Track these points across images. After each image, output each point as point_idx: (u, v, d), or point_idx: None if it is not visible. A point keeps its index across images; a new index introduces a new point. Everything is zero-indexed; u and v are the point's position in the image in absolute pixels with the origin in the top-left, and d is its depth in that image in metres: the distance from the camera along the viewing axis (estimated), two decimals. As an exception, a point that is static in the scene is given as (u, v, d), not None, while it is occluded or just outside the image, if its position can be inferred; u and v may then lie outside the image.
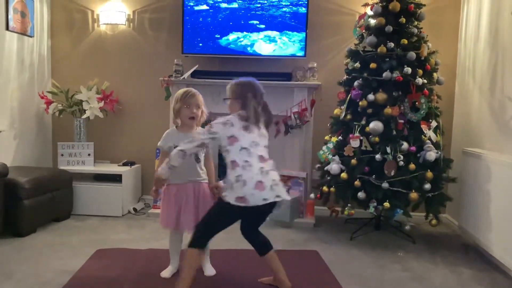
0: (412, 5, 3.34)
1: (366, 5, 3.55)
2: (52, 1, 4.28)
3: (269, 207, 2.28)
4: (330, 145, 3.45)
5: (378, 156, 3.19)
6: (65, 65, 4.33)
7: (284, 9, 3.93)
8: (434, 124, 3.33)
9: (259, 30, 3.97)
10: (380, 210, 3.28)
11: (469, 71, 3.74)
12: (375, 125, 3.22)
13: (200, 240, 2.31)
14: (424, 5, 3.43)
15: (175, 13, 4.11)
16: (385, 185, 3.15)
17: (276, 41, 3.97)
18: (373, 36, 3.35)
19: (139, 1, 4.23)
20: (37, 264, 2.76)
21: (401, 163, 3.16)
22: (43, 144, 4.30)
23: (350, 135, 3.32)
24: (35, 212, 3.36)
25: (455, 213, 3.68)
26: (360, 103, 3.33)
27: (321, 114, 3.91)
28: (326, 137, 3.59)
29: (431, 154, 3.20)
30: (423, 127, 3.27)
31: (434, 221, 3.35)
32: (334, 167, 3.31)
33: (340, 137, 3.45)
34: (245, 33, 3.99)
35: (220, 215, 2.31)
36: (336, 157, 3.35)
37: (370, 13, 3.45)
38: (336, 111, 3.53)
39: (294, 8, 3.92)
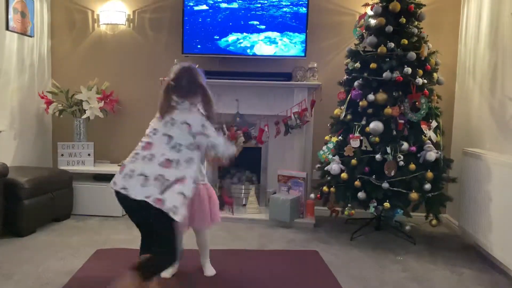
0: (413, 5, 3.33)
1: (366, 5, 3.55)
2: (52, 1, 4.27)
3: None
4: (330, 145, 3.46)
5: (378, 156, 3.19)
6: (65, 65, 4.32)
7: (284, 9, 3.91)
8: (434, 124, 3.33)
9: (259, 31, 3.95)
10: (380, 210, 3.28)
11: (469, 71, 3.74)
12: (375, 125, 3.22)
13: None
14: (424, 5, 3.43)
15: (175, 13, 4.11)
16: (385, 185, 3.15)
17: (277, 43, 3.95)
18: (373, 36, 3.35)
19: (139, 1, 4.23)
20: (37, 265, 2.76)
21: (401, 163, 3.16)
22: (43, 144, 4.30)
23: (350, 135, 3.32)
24: (35, 212, 3.36)
25: (455, 213, 3.68)
26: (360, 103, 3.33)
27: (321, 114, 3.91)
28: (326, 137, 3.59)
29: (431, 154, 3.20)
30: (423, 127, 3.27)
31: (434, 221, 3.35)
32: (334, 167, 3.31)
33: (340, 137, 3.45)
34: (245, 34, 3.96)
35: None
36: (336, 157, 3.36)
37: (370, 13, 3.45)
38: (336, 111, 3.53)
39: (295, 8, 3.90)
